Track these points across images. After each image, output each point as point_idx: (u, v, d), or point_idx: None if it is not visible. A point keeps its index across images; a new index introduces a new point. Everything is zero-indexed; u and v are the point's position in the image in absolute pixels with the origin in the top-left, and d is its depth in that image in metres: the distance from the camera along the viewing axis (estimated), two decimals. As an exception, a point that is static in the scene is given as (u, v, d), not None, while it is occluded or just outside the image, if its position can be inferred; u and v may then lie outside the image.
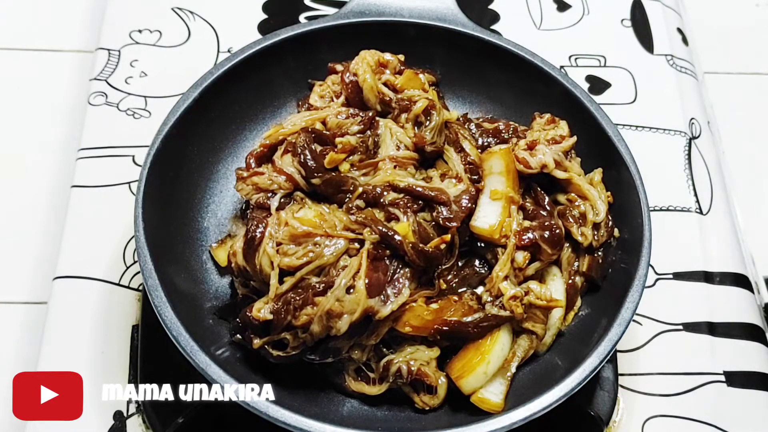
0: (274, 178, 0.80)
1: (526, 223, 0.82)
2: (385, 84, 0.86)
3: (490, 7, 1.24)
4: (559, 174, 0.86)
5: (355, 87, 0.85)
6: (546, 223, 0.82)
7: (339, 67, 0.91)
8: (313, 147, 0.80)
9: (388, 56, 0.89)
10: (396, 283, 0.75)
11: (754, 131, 1.26)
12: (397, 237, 0.75)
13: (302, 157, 0.79)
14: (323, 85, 0.91)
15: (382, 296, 0.74)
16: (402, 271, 0.76)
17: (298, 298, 0.73)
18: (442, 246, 0.77)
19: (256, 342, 0.75)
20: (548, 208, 0.85)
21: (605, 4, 1.25)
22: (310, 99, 0.90)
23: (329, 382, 0.81)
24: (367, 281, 0.72)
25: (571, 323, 0.85)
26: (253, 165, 0.83)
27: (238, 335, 0.77)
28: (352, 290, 0.72)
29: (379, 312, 0.73)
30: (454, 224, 0.78)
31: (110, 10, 1.15)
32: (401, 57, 0.91)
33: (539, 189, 0.86)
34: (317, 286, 0.73)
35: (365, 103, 0.85)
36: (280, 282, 0.74)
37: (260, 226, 0.75)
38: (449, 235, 0.78)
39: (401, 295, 0.75)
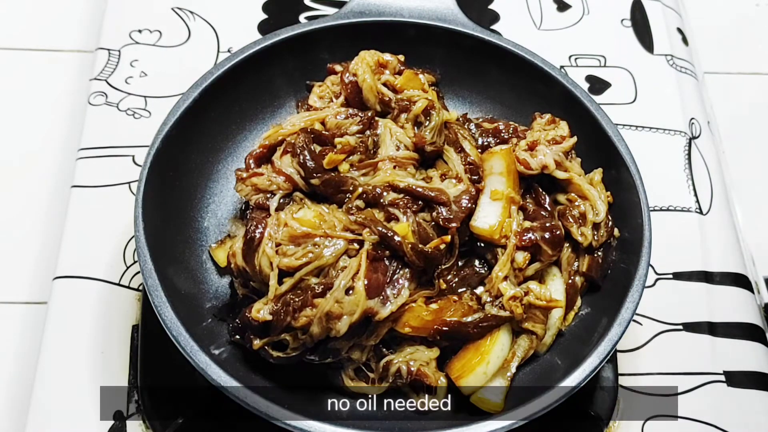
0: (273, 179, 0.80)
1: (527, 224, 0.82)
2: (384, 84, 0.86)
3: (490, 7, 1.23)
4: (560, 174, 0.85)
5: (355, 87, 0.85)
6: (546, 224, 0.82)
7: (338, 68, 0.91)
8: (312, 147, 0.80)
9: (387, 56, 0.89)
10: (395, 283, 0.75)
11: (754, 131, 1.25)
12: (396, 237, 0.74)
13: (301, 157, 0.79)
14: (322, 85, 0.91)
15: (381, 297, 0.74)
16: (401, 272, 0.76)
17: (297, 299, 0.72)
18: (442, 246, 0.77)
19: (256, 343, 0.75)
20: (549, 208, 0.85)
21: (605, 4, 1.25)
22: (309, 99, 0.90)
23: (329, 382, 0.81)
24: (366, 282, 0.72)
25: (571, 323, 0.84)
26: (252, 166, 0.82)
27: (237, 336, 0.77)
28: (351, 291, 0.72)
29: (378, 313, 0.73)
30: (454, 225, 0.78)
31: (110, 10, 1.15)
32: (401, 57, 0.91)
33: (540, 189, 0.86)
34: (316, 287, 0.72)
35: (365, 103, 0.85)
36: (280, 283, 0.74)
37: (259, 226, 0.75)
38: (449, 236, 0.78)
39: (401, 296, 0.74)
